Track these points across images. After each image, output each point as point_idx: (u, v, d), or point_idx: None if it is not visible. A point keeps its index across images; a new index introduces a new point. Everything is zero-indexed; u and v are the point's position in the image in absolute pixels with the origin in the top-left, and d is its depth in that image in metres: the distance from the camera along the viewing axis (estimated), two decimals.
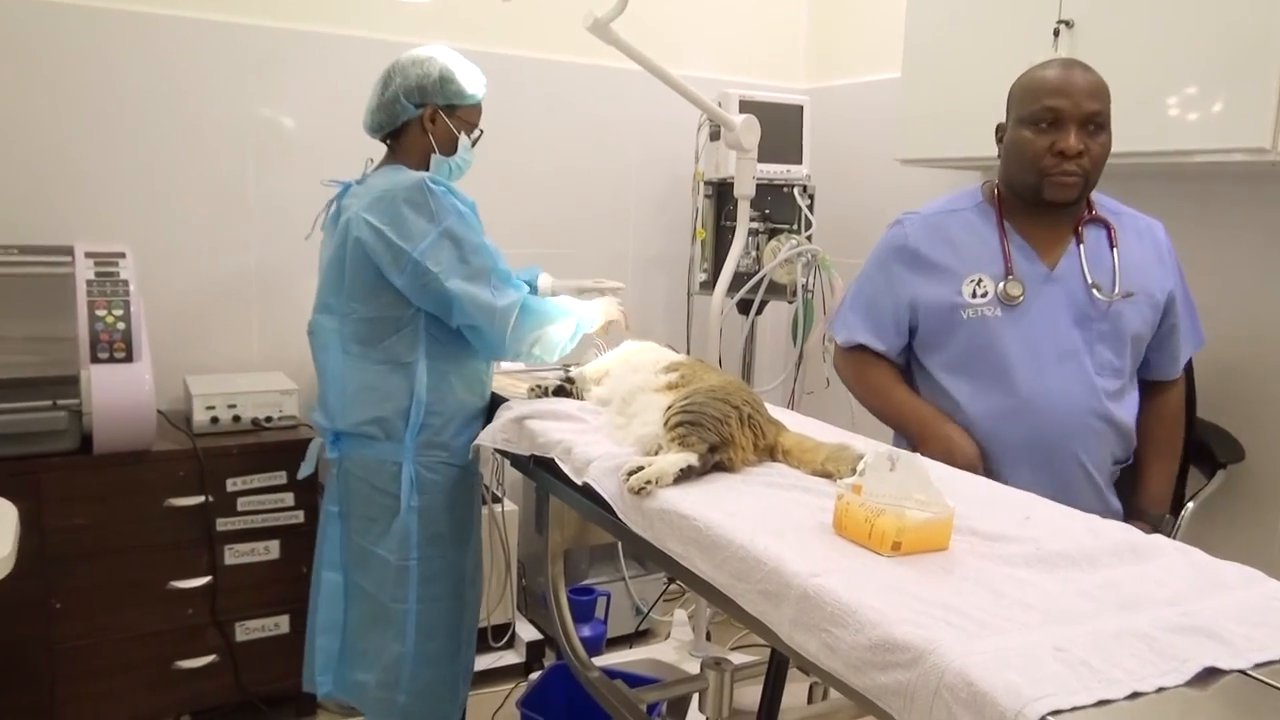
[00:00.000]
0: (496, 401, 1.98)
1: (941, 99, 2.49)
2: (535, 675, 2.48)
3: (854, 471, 1.22)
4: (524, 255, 2.51)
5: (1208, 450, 2.08)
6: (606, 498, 1.40)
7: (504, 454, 1.82)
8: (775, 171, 2.93)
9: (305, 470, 2.13)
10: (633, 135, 3.23)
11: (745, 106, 2.77)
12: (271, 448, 2.36)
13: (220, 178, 2.63)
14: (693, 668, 2.58)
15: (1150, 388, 1.85)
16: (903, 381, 1.86)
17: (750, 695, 1.90)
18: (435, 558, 1.94)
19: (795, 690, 1.92)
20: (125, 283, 2.20)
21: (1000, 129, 1.78)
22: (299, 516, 2.38)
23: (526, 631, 2.87)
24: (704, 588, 1.20)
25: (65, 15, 2.41)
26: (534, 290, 2.19)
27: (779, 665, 1.68)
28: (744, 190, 2.47)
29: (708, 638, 2.81)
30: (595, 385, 1.85)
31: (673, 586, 3.15)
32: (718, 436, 1.41)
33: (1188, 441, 1.93)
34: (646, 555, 1.36)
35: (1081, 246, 1.74)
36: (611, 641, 2.94)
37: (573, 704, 2.23)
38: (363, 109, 1.96)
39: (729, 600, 1.15)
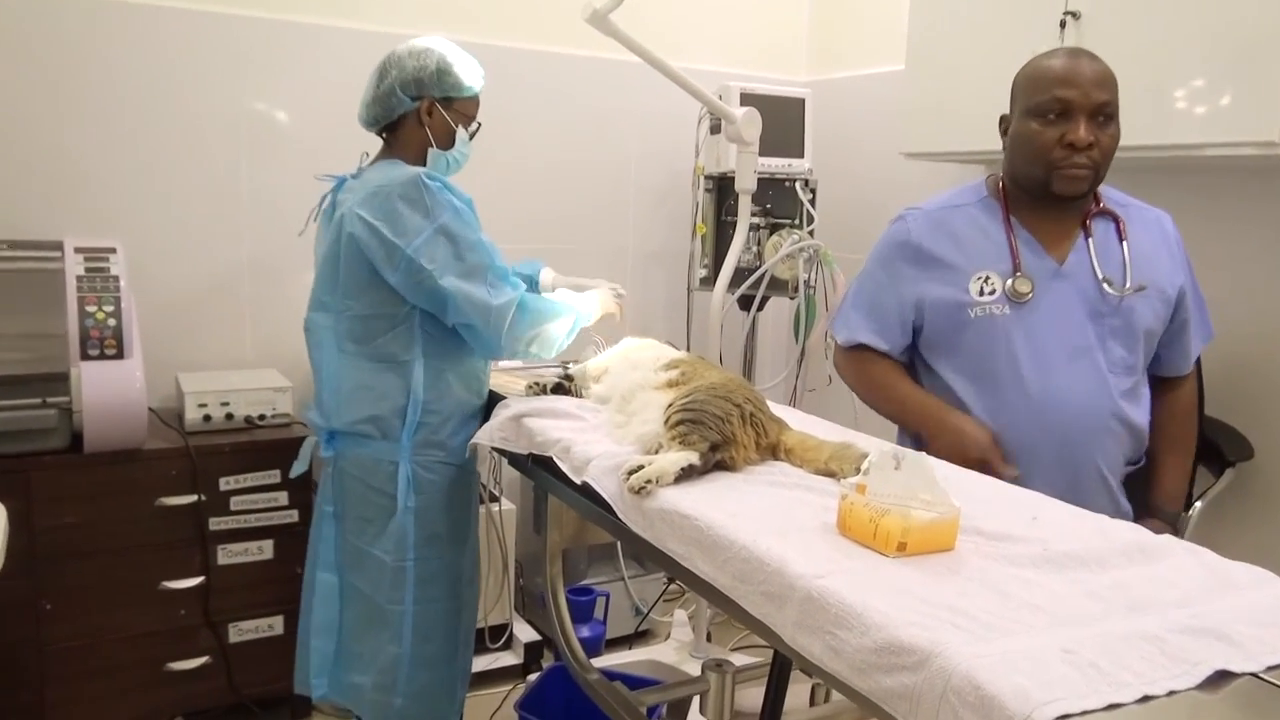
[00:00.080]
0: (494, 399, 1.97)
1: (946, 92, 2.47)
2: (533, 677, 2.48)
3: (858, 471, 1.21)
4: (521, 251, 2.49)
5: (1216, 448, 2.05)
6: (606, 497, 1.40)
7: (502, 452, 1.82)
8: (776, 165, 2.91)
9: (298, 468, 2.11)
10: (632, 129, 3.21)
11: (746, 99, 2.74)
12: (265, 446, 2.34)
13: (213, 172, 2.61)
14: (693, 669, 2.57)
15: (1161, 384, 1.82)
16: (907, 376, 1.83)
17: (752, 697, 1.88)
18: (432, 558, 1.93)
19: (797, 691, 1.90)
20: (116, 278, 2.18)
21: (1004, 120, 1.75)
22: (293, 516, 2.37)
23: (524, 632, 2.85)
24: (705, 589, 1.20)
25: (57, 6, 2.39)
26: (535, 285, 2.16)
27: (781, 667, 1.67)
28: (745, 184, 2.46)
29: (708, 638, 2.79)
30: (594, 383, 1.85)
31: (673, 586, 3.14)
32: (719, 435, 1.40)
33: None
34: (646, 555, 1.35)
35: (1090, 240, 1.71)
36: (610, 642, 2.93)
37: (571, 706, 2.22)
38: (358, 102, 1.94)
39: (731, 602, 1.15)
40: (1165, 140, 1.96)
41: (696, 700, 2.15)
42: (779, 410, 1.62)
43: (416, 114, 1.91)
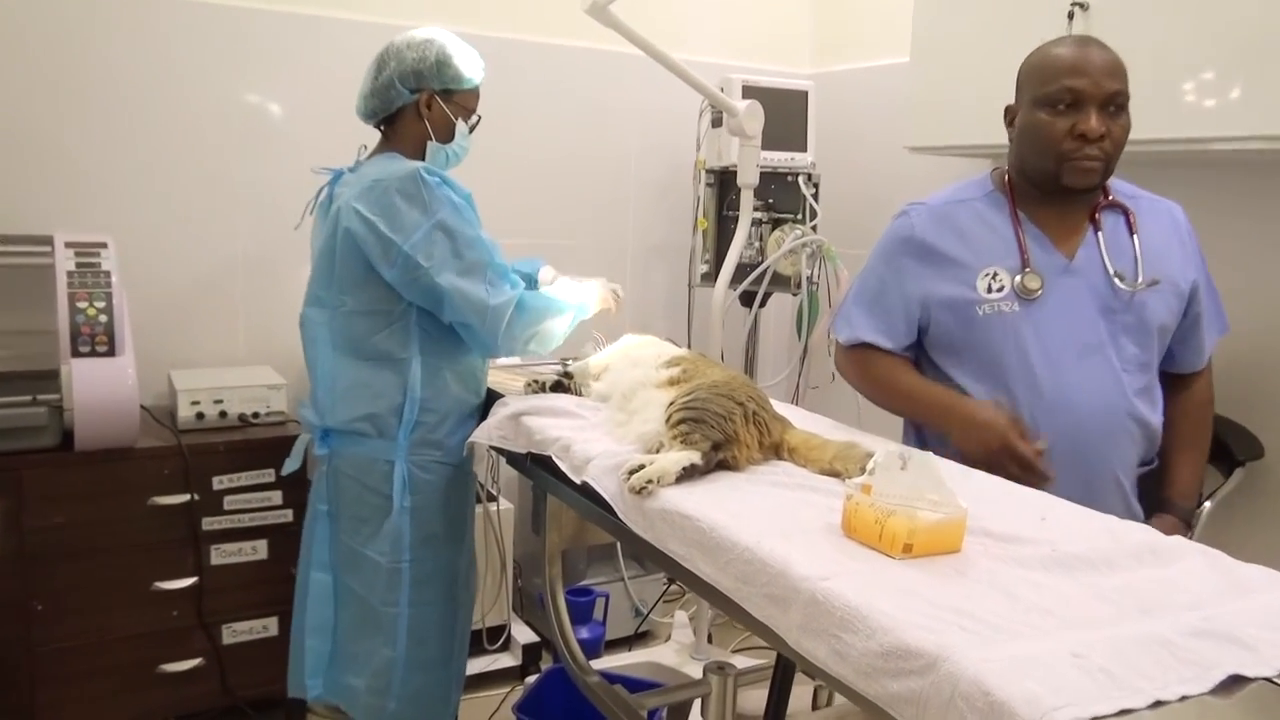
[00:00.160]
0: (492, 397, 1.96)
1: (951, 85, 2.45)
2: (531, 679, 2.47)
3: (863, 470, 1.20)
4: (521, 246, 2.47)
5: (1225, 448, 2.02)
6: (606, 497, 1.39)
7: (500, 451, 1.80)
8: (779, 159, 2.89)
9: (290, 466, 2.08)
10: (633, 121, 3.19)
11: (748, 92, 2.73)
12: (259, 444, 2.32)
13: (206, 165, 2.58)
14: (694, 671, 2.55)
15: (1175, 380, 1.78)
16: (912, 368, 1.78)
17: (754, 700, 1.86)
18: (428, 560, 1.91)
19: (799, 693, 1.89)
20: (107, 274, 2.16)
21: (1010, 111, 1.72)
22: (287, 515, 2.34)
23: (522, 634, 2.83)
24: (707, 590, 1.18)
25: None
26: (534, 284, 2.14)
27: (785, 670, 1.65)
28: (747, 179, 2.44)
29: (709, 640, 2.77)
30: (594, 380, 1.84)
31: (673, 587, 3.12)
32: (721, 434, 1.39)
33: None
34: (647, 556, 1.34)
35: (1100, 234, 1.67)
36: (610, 644, 2.91)
37: (570, 708, 2.21)
38: (355, 94, 1.92)
39: (734, 604, 1.14)
40: (1174, 134, 1.94)
41: (698, 703, 2.13)
42: (781, 408, 1.61)
43: (415, 107, 1.89)
